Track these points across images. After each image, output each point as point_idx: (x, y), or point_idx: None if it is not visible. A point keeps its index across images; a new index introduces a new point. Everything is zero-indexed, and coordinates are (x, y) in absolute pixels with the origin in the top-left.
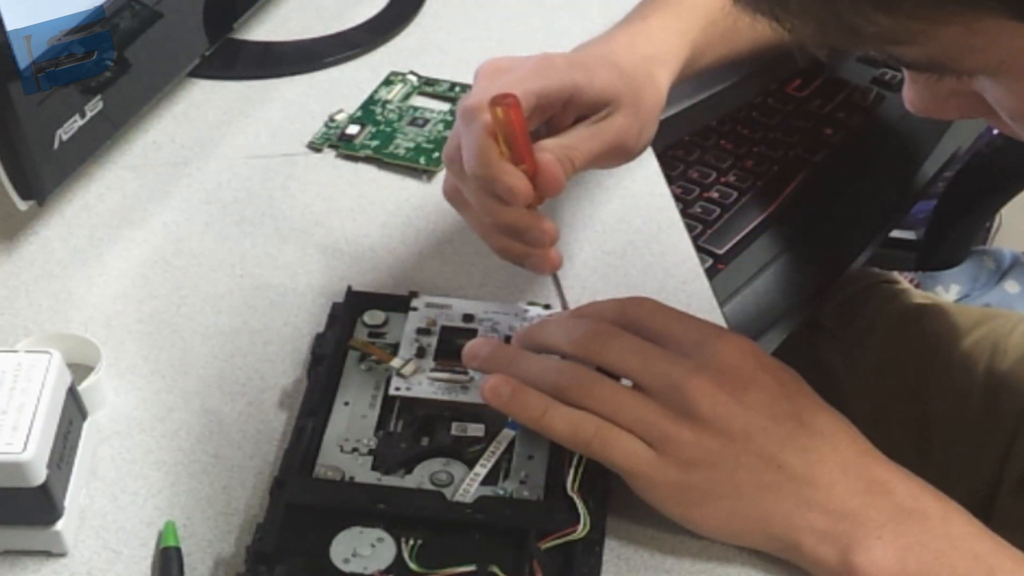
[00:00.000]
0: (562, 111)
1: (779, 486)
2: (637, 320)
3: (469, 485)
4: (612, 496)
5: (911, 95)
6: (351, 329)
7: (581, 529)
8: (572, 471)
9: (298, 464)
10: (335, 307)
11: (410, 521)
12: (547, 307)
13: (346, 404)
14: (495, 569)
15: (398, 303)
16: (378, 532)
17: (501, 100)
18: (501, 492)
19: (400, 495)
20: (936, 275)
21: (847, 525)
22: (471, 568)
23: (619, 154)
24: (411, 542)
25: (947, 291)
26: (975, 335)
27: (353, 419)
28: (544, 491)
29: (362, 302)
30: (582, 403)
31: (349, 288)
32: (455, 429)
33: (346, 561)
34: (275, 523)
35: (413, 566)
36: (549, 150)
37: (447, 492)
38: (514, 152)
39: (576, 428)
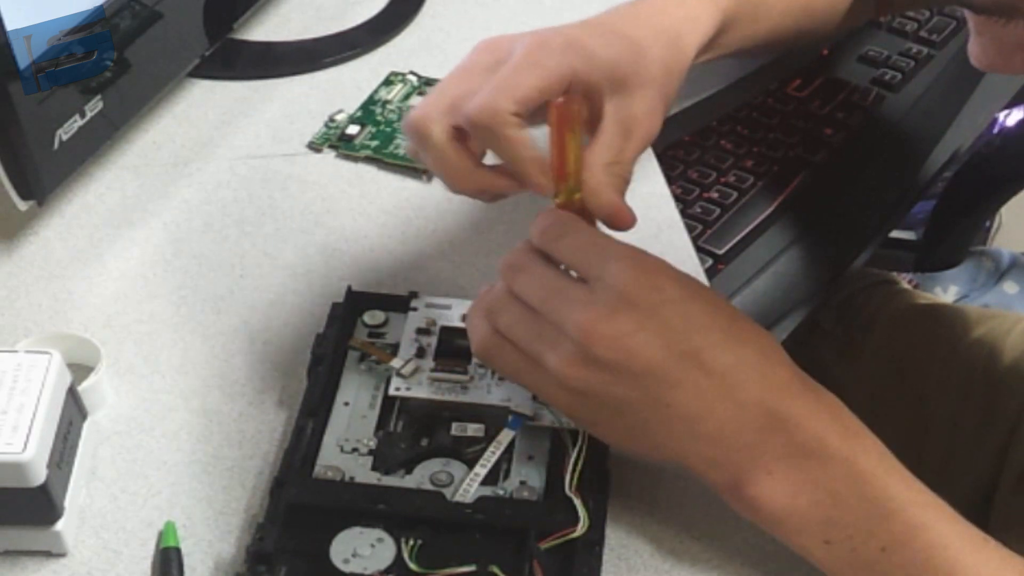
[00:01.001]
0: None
1: (667, 424)
2: (550, 242)
3: (469, 485)
4: (612, 496)
5: (976, 49)
6: (351, 329)
7: (580, 529)
8: (571, 471)
9: (298, 464)
10: (335, 307)
11: (410, 521)
12: None
13: (346, 404)
14: (495, 569)
15: (398, 303)
16: (378, 532)
17: (564, 109)
18: (501, 492)
19: (400, 495)
20: (935, 276)
21: (737, 456)
22: (471, 568)
23: (652, 138)
24: (411, 542)
25: (946, 292)
26: (973, 335)
27: (353, 419)
28: (544, 491)
29: (362, 302)
30: (494, 323)
31: (349, 288)
32: (455, 429)
33: (346, 561)
34: (275, 523)
35: (413, 566)
36: (598, 178)
37: (447, 492)
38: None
39: (471, 332)
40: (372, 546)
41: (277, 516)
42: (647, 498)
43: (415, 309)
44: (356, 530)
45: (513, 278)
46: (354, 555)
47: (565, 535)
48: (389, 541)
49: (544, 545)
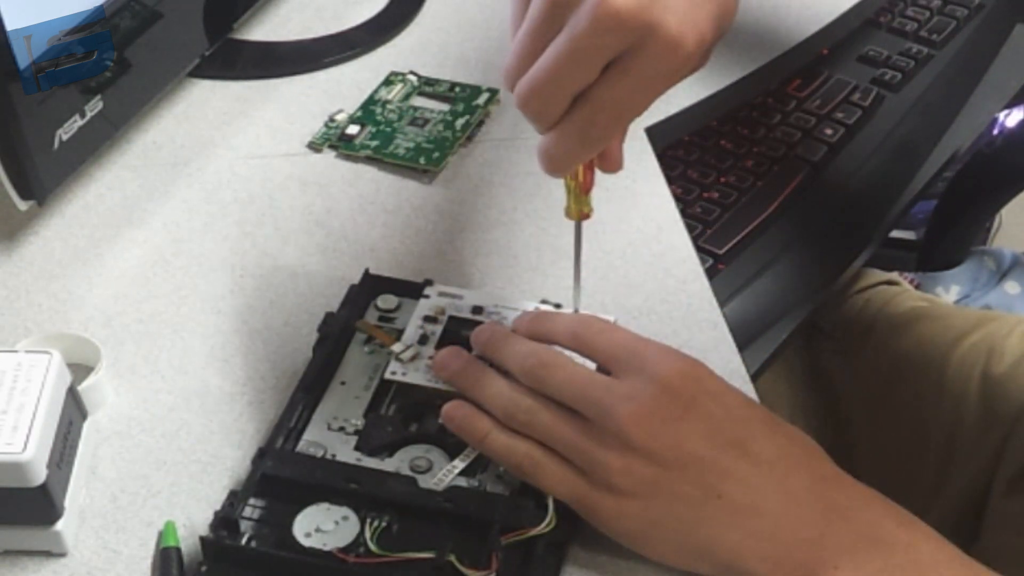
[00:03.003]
0: None
1: (721, 517)
2: (586, 341)
3: (445, 475)
4: None
5: None
6: (363, 311)
7: (544, 527)
8: None
9: (283, 437)
10: (351, 289)
11: (379, 503)
12: (558, 306)
13: (342, 384)
14: (452, 559)
15: (413, 289)
16: (344, 511)
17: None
18: (476, 484)
19: (373, 476)
20: (936, 275)
21: (801, 554)
22: (429, 555)
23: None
24: (375, 523)
25: (947, 292)
26: (972, 338)
27: (346, 399)
28: (520, 487)
29: (378, 286)
30: (525, 430)
31: (367, 271)
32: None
33: (307, 535)
34: (248, 492)
35: (372, 547)
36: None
37: (423, 479)
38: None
39: (510, 453)
40: (336, 523)
41: (251, 485)
42: None
43: (427, 296)
44: (323, 506)
45: (547, 376)
46: (316, 530)
47: (527, 532)
48: (354, 520)
49: (507, 540)
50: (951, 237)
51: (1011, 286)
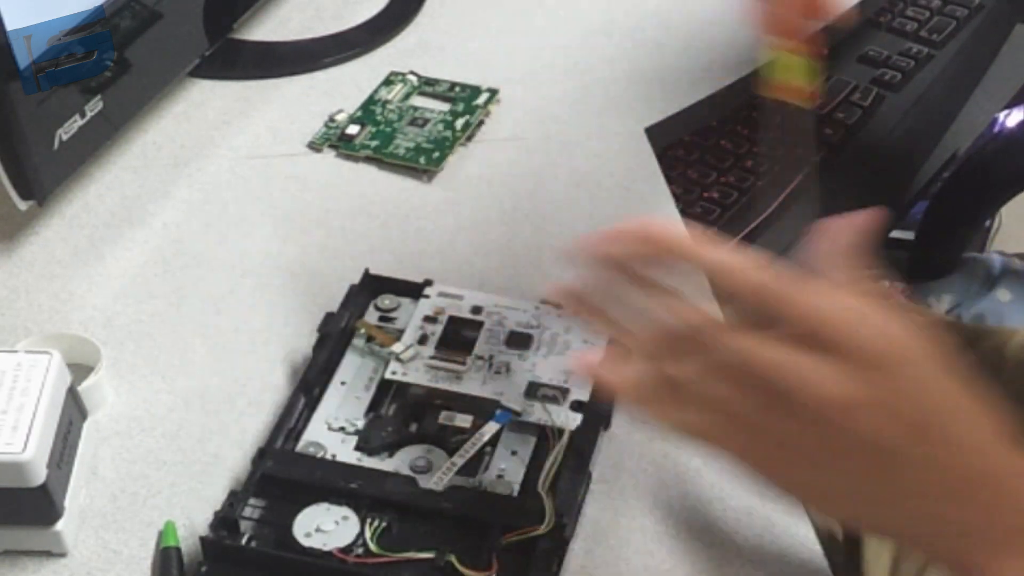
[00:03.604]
0: None
1: (889, 497)
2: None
3: (444, 474)
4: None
5: None
6: (363, 310)
7: (543, 528)
8: (547, 469)
9: (283, 437)
10: (352, 288)
11: (379, 503)
12: (558, 306)
13: (343, 384)
14: (452, 559)
15: (413, 289)
16: (344, 510)
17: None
18: (476, 484)
19: (373, 477)
20: (927, 285)
21: (971, 541)
22: (429, 555)
23: None
24: (376, 523)
25: (939, 301)
26: (971, 353)
27: (347, 399)
28: (520, 487)
29: (378, 286)
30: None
31: (367, 271)
32: (443, 418)
33: (308, 535)
34: (248, 492)
35: (373, 547)
36: None
37: (423, 479)
38: None
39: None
40: (336, 523)
41: (251, 485)
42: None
43: (427, 296)
44: (323, 506)
45: (753, 349)
46: (317, 530)
47: (526, 532)
48: (354, 520)
49: (506, 540)
50: (944, 243)
51: (1002, 294)
